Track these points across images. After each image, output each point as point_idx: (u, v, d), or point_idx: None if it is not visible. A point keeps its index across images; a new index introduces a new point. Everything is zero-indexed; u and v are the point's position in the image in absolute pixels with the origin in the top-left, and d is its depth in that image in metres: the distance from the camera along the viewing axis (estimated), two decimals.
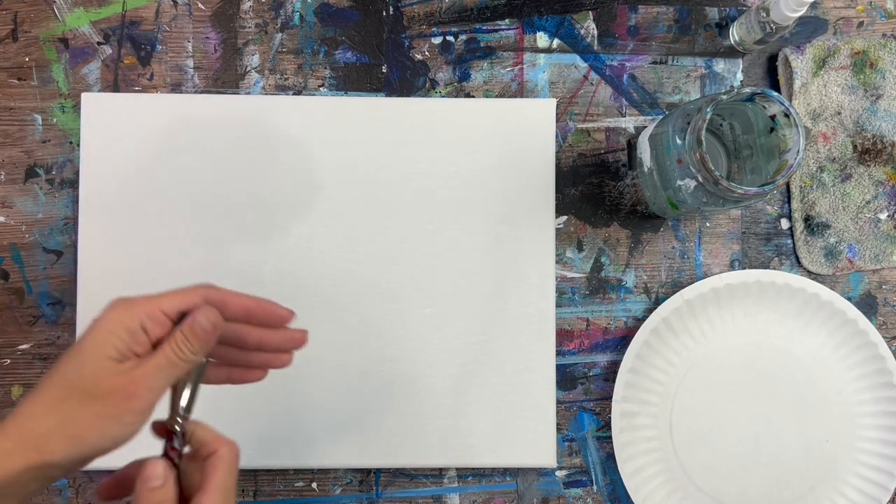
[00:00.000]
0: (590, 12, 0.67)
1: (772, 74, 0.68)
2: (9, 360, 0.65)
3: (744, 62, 0.67)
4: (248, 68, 0.66)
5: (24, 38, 0.65)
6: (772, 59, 0.68)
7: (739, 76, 0.67)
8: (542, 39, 0.67)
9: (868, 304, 0.67)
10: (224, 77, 0.66)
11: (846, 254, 0.66)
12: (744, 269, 0.66)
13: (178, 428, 0.42)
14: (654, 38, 0.67)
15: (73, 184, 0.65)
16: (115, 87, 0.66)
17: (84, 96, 0.64)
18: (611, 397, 0.64)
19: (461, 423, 0.64)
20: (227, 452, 0.41)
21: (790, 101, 0.66)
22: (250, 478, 0.65)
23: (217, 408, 0.63)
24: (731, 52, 0.67)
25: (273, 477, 0.65)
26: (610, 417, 0.64)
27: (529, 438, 0.64)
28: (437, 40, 0.67)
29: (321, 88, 0.66)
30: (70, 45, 0.66)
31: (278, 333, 0.47)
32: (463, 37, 0.67)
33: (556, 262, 0.66)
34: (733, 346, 0.65)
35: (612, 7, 0.67)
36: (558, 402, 0.66)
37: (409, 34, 0.67)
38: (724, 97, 0.52)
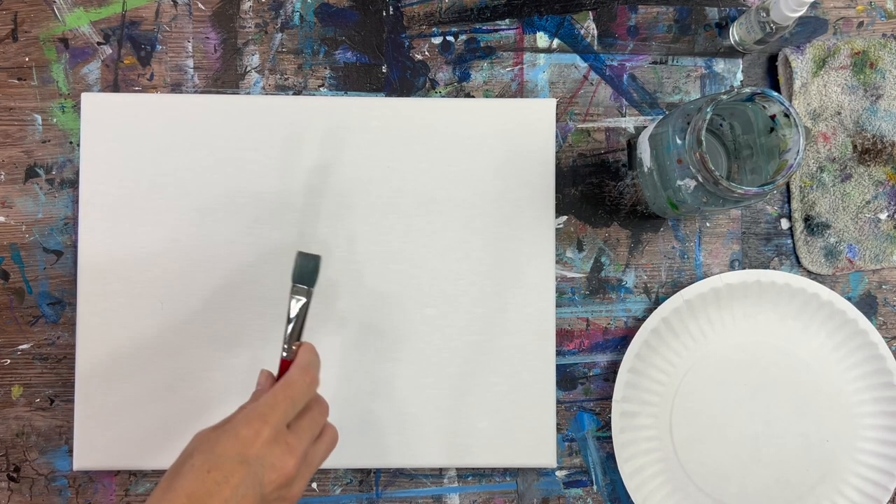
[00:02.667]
0: (590, 12, 0.67)
1: (772, 74, 0.68)
2: (9, 360, 0.65)
3: (744, 62, 0.67)
4: (248, 68, 0.66)
5: (24, 38, 0.65)
6: (772, 59, 0.68)
7: (739, 76, 0.67)
8: (542, 39, 0.67)
9: (868, 304, 0.67)
10: (224, 77, 0.66)
11: (846, 254, 0.66)
12: (744, 269, 0.66)
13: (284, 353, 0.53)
14: (654, 38, 0.67)
15: (73, 184, 0.65)
16: (115, 87, 0.66)
17: (84, 96, 0.64)
18: (611, 397, 0.64)
19: (461, 423, 0.64)
20: (304, 349, 0.53)
21: (790, 101, 0.66)
22: None
23: (217, 409, 0.63)
24: (731, 52, 0.67)
25: None
26: (610, 417, 0.64)
27: (529, 438, 0.64)
28: (437, 40, 0.67)
29: (321, 88, 0.66)
30: (70, 45, 0.66)
31: None
32: (463, 37, 0.67)
33: (556, 262, 0.66)
34: (733, 346, 0.65)
35: (612, 7, 0.67)
36: (558, 402, 0.66)
37: (409, 34, 0.67)
38: (724, 97, 0.52)
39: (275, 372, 0.53)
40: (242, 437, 0.46)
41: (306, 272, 0.54)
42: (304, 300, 0.53)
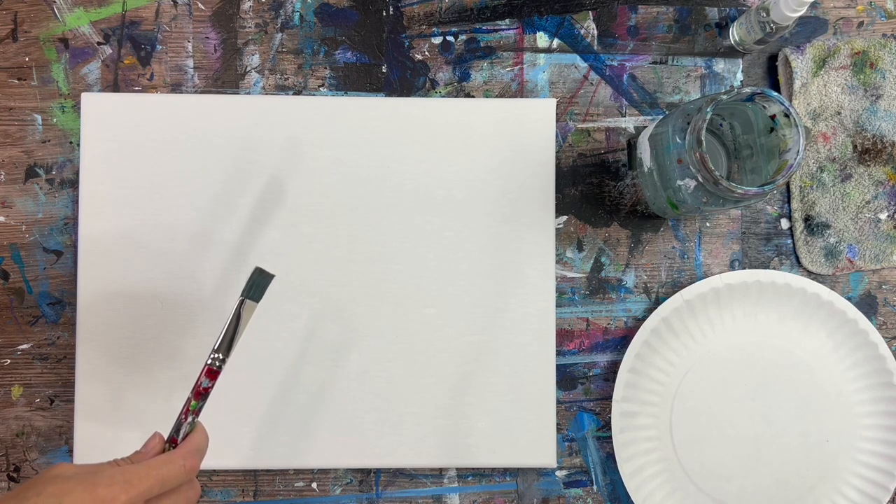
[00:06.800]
0: (590, 12, 0.67)
1: (772, 74, 0.68)
2: (9, 360, 0.65)
3: (744, 62, 0.67)
4: (248, 68, 0.66)
5: (24, 38, 0.65)
6: (772, 59, 0.68)
7: (739, 76, 0.67)
8: (542, 39, 0.67)
9: (868, 304, 0.67)
10: (224, 77, 0.66)
11: (846, 254, 0.66)
12: (744, 269, 0.66)
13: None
14: (654, 38, 0.67)
15: (73, 184, 0.65)
16: (115, 87, 0.66)
17: (84, 96, 0.64)
18: (611, 397, 0.64)
19: (461, 423, 0.64)
20: (198, 433, 0.52)
21: (790, 101, 0.66)
22: (250, 478, 0.65)
23: (217, 409, 0.63)
24: (731, 52, 0.67)
25: (273, 477, 0.65)
26: (610, 417, 0.64)
27: (529, 438, 0.64)
28: (437, 40, 0.67)
29: (321, 88, 0.66)
30: (70, 45, 0.66)
31: None
32: (463, 37, 0.67)
33: (556, 262, 0.66)
34: (733, 346, 0.65)
35: (612, 7, 0.67)
36: (558, 402, 0.66)
37: (409, 34, 0.67)
38: (724, 97, 0.52)
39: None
40: (98, 495, 0.45)
41: (258, 288, 0.54)
42: (241, 313, 0.53)
